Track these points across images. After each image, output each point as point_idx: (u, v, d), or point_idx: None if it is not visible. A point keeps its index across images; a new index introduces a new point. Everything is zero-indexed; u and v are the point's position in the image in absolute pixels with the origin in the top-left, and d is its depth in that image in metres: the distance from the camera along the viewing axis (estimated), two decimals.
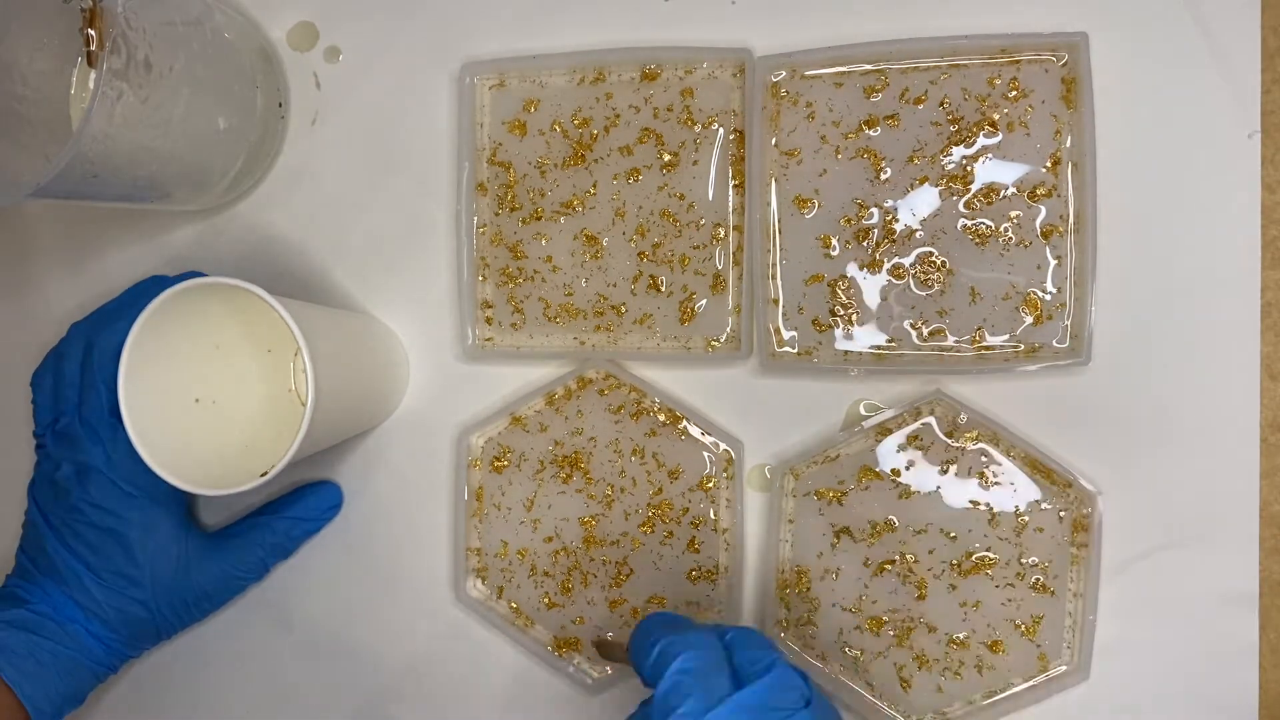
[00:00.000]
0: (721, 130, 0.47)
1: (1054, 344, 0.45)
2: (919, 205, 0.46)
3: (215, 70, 0.44)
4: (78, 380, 0.46)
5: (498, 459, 0.50)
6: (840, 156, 0.46)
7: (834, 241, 0.46)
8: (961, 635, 0.46)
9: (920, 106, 0.45)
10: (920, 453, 0.46)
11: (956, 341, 0.45)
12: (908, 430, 0.46)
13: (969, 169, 0.45)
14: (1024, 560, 0.46)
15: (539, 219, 0.49)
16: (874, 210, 0.46)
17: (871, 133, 0.46)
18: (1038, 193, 0.45)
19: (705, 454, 0.48)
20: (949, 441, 0.46)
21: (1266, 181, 0.45)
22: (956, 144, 0.45)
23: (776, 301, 0.47)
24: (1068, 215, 0.45)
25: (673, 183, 0.48)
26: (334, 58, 0.51)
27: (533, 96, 0.49)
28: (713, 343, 0.48)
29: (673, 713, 0.34)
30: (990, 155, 0.45)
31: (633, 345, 0.48)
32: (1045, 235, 0.45)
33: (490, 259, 0.50)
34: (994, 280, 0.45)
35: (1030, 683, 0.46)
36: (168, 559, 0.47)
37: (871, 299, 0.46)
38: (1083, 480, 0.45)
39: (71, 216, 0.54)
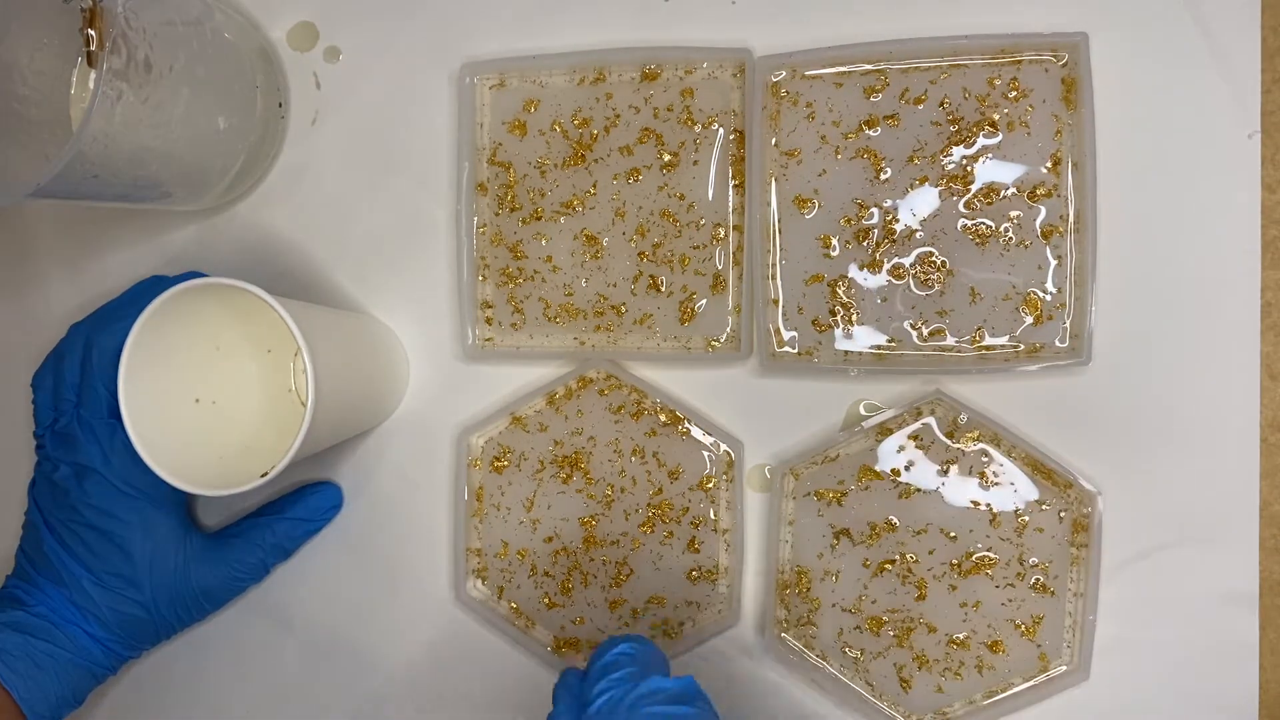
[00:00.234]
0: (721, 130, 0.47)
1: (1054, 344, 0.45)
2: (919, 205, 0.46)
3: (215, 70, 0.44)
4: (77, 381, 0.46)
5: (498, 459, 0.50)
6: (840, 156, 0.46)
7: (834, 241, 0.46)
8: (961, 635, 0.46)
9: (920, 106, 0.45)
10: (920, 453, 0.46)
11: (956, 342, 0.45)
12: (908, 430, 0.46)
13: (969, 169, 0.45)
14: (1024, 560, 0.46)
15: (539, 219, 0.49)
16: (874, 210, 0.46)
17: (871, 133, 0.46)
18: (1038, 193, 0.45)
19: (705, 454, 0.48)
20: (949, 442, 0.46)
21: (1266, 181, 0.45)
22: (956, 144, 0.45)
23: (776, 301, 0.47)
24: (1068, 215, 0.45)
25: (673, 183, 0.48)
26: (334, 58, 0.51)
27: (533, 96, 0.49)
28: (713, 343, 0.48)
29: (605, 678, 0.37)
30: (990, 155, 0.45)
31: (633, 345, 0.48)
32: (1045, 235, 0.45)
33: (490, 259, 0.50)
34: (994, 280, 0.45)
35: (1030, 683, 0.46)
36: (167, 560, 0.47)
37: (871, 299, 0.46)
38: (1083, 480, 0.45)
39: (71, 216, 0.54)
